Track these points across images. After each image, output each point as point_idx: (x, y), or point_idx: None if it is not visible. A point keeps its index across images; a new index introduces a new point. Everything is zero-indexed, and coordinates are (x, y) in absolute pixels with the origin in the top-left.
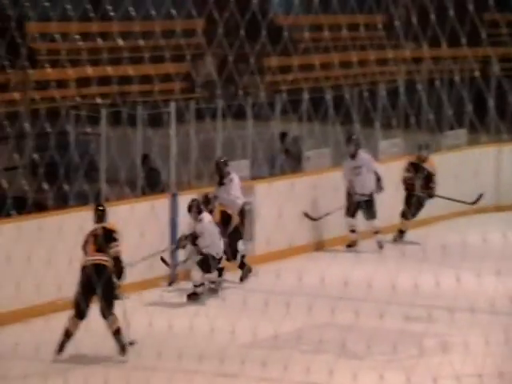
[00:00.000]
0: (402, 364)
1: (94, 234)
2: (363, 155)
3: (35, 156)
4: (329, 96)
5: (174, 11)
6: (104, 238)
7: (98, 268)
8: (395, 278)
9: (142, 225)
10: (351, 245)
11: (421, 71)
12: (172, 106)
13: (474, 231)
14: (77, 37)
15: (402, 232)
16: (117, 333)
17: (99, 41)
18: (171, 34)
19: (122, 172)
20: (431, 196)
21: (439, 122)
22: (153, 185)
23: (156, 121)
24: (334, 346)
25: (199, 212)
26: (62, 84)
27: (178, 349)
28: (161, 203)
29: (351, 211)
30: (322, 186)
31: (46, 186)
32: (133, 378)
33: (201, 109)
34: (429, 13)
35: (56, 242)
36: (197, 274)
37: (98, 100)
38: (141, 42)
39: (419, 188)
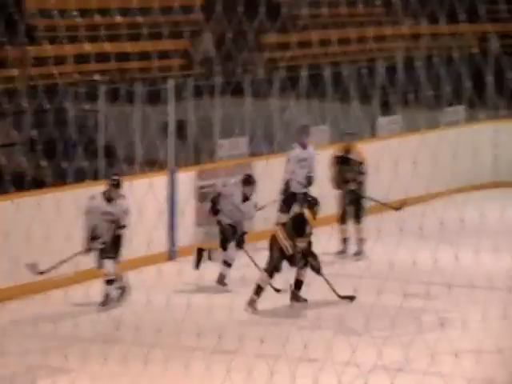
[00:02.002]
0: (400, 340)
1: None
2: (311, 148)
3: (33, 133)
4: (327, 73)
5: None
6: None
7: None
8: (393, 254)
9: (140, 202)
10: None
11: (419, 48)
12: (170, 83)
13: (472, 208)
14: (75, 13)
15: (345, 240)
16: None
17: (97, 17)
18: (169, 10)
19: (120, 149)
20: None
21: (438, 98)
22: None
23: (154, 98)
24: (332, 323)
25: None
26: (60, 60)
27: (176, 325)
28: (159, 180)
29: (286, 208)
30: (319, 161)
31: (44, 162)
32: (131, 354)
33: (199, 86)
34: None
35: (54, 218)
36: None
37: (97, 77)
38: (139, 19)
39: (353, 183)
